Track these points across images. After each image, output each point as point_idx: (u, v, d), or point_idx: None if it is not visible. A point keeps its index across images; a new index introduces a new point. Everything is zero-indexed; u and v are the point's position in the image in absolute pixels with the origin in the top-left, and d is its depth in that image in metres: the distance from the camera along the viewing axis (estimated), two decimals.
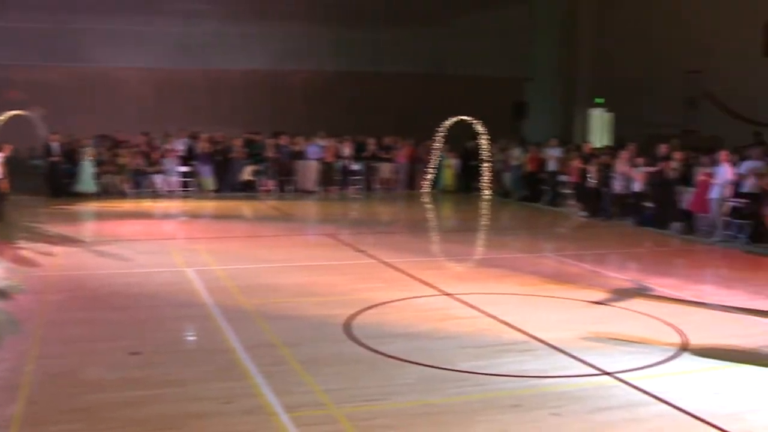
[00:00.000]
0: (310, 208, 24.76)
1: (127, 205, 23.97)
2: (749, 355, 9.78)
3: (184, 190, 26.21)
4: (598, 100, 34.46)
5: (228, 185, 26.79)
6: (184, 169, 26.51)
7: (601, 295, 12.75)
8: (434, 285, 13.10)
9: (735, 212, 19.01)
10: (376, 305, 11.66)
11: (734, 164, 19.48)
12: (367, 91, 31.83)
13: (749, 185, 18.87)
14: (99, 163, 26.06)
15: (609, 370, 8.90)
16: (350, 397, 7.93)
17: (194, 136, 27.35)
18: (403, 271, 14.20)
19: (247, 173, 27.06)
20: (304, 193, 26.98)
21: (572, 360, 9.29)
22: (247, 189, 26.85)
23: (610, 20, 33.44)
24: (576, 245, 18.08)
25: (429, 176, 27.66)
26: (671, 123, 29.22)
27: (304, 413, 7.51)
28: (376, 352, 9.42)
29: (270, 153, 27.26)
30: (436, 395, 8.07)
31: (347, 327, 10.46)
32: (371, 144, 28.59)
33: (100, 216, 22.30)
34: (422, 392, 8.15)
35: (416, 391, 8.19)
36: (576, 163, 23.60)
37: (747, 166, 19.35)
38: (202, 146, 26.81)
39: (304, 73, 31.87)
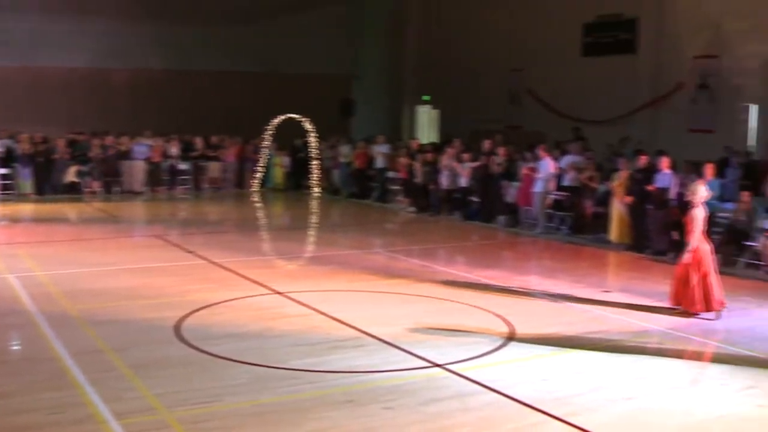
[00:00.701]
0: (137, 209, 24.15)
1: None
2: (573, 341, 10.18)
3: (3, 194, 25.04)
4: (424, 98, 35.08)
5: (51, 187, 25.77)
6: (2, 171, 25.32)
7: (430, 289, 12.97)
8: (265, 284, 13.02)
9: (557, 205, 19.73)
10: (207, 306, 11.49)
11: (556, 159, 20.21)
12: (194, 89, 31.32)
13: (570, 179, 19.61)
14: None
15: (439, 362, 9.06)
16: (182, 401, 7.78)
17: (14, 137, 26.18)
18: (233, 271, 14.04)
19: (71, 174, 26.11)
20: (130, 194, 26.28)
21: (403, 354, 9.41)
22: (72, 191, 25.90)
23: (437, 19, 34.07)
24: (405, 240, 18.33)
25: (258, 175, 27.46)
26: (496, 119, 30.04)
27: (134, 419, 7.32)
28: (208, 353, 9.28)
29: (95, 153, 26.41)
30: (268, 394, 8.02)
31: (177, 329, 10.26)
32: (199, 143, 28.13)
33: None
34: (254, 392, 8.08)
35: (248, 391, 8.11)
36: (403, 160, 23.92)
37: (567, 160, 20.11)
38: (22, 147, 25.69)
39: (128, 70, 31.03)
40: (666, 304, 11.94)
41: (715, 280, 11.59)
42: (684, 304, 11.63)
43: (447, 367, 8.93)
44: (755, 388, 8.57)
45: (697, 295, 11.50)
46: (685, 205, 16.24)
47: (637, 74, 25.67)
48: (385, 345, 9.75)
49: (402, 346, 9.66)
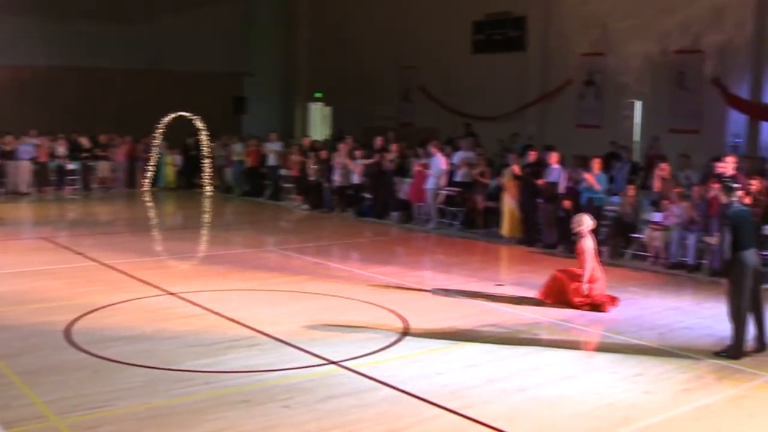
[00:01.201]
0: (23, 210, 23.48)
1: None
2: (467, 335, 10.33)
3: None
4: (317, 95, 35.04)
5: None
6: None
7: (325, 287, 12.99)
8: (158, 285, 12.83)
9: (449, 200, 19.95)
10: (98, 309, 11.26)
11: (447, 155, 20.43)
12: (83, 87, 30.54)
13: (461, 175, 19.86)
14: None
15: (335, 359, 9.09)
16: (73, 407, 7.61)
17: None
18: (124, 273, 13.80)
19: None
20: (16, 195, 25.54)
21: (299, 352, 9.41)
22: None
23: (330, 16, 34.03)
24: (299, 238, 18.29)
25: (149, 174, 27.01)
26: (388, 116, 30.21)
27: (24, 428, 7.13)
28: (100, 357, 9.10)
29: None
30: (163, 397, 7.92)
31: (68, 333, 10.03)
32: (85, 142, 27.50)
33: None
34: (148, 395, 7.97)
35: (142, 394, 7.99)
36: (296, 157, 23.85)
37: (459, 156, 20.36)
38: None
39: (12, 67, 30.08)
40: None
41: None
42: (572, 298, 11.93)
43: (342, 364, 8.96)
44: (642, 375, 8.85)
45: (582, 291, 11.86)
46: (574, 198, 16.70)
47: (527, 71, 26.12)
48: (280, 344, 9.73)
49: (297, 345, 9.65)
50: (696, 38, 22.15)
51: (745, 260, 9.52)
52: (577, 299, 11.84)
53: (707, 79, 21.75)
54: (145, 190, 26.59)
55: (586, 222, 12.18)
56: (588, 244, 12.05)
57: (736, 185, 10.08)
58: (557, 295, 12.04)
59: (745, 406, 8.01)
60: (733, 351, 9.54)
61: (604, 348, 10.18)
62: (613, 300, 12.07)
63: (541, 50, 25.92)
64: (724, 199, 9.94)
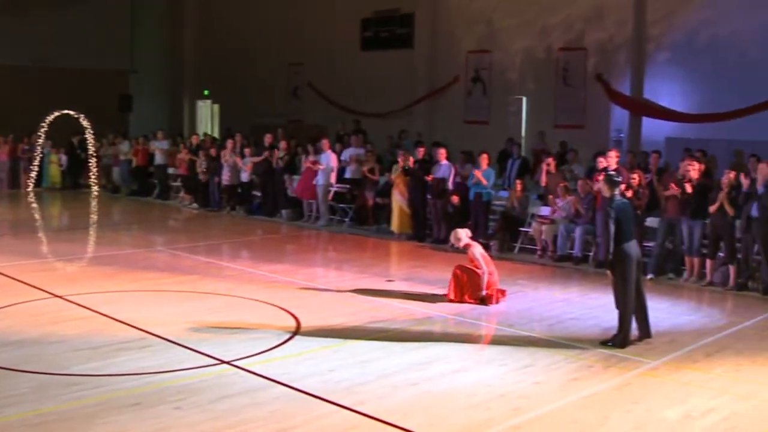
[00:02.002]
0: None
1: None
2: (359, 331, 10.37)
3: None
4: (205, 92, 34.65)
5: None
6: None
7: (216, 286, 12.87)
8: (44, 288, 12.49)
9: (339, 197, 19.99)
10: None
11: (337, 152, 20.46)
12: None
13: (351, 171, 19.92)
14: None
15: (227, 359, 9.01)
16: None
17: None
18: (8, 276, 13.38)
19: None
20: None
21: (190, 352, 9.30)
22: None
23: (217, 13, 33.68)
24: (188, 237, 18.08)
25: (33, 173, 26.27)
26: (277, 113, 30.10)
27: None
28: None
29: None
30: (52, 402, 7.72)
31: None
32: None
33: None
34: (36, 401, 7.74)
35: (30, 400, 7.76)
36: (184, 155, 23.54)
37: (349, 153, 20.40)
38: None
39: None
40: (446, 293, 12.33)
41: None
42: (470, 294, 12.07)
43: (235, 363, 8.89)
44: (532, 366, 9.03)
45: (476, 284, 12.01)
46: (463, 193, 16.93)
47: (415, 68, 26.36)
48: (171, 344, 9.60)
49: (188, 345, 9.53)
50: (579, 36, 22.72)
51: (629, 251, 9.80)
52: (472, 301, 11.99)
53: (590, 76, 22.35)
54: (29, 191, 25.85)
55: (462, 236, 12.36)
56: (476, 251, 12.22)
57: (618, 179, 10.35)
58: (459, 294, 12.13)
59: (630, 393, 8.25)
60: (620, 340, 9.81)
61: (494, 341, 10.35)
62: (502, 293, 12.26)
63: (428, 47, 26.19)
64: (607, 192, 10.20)
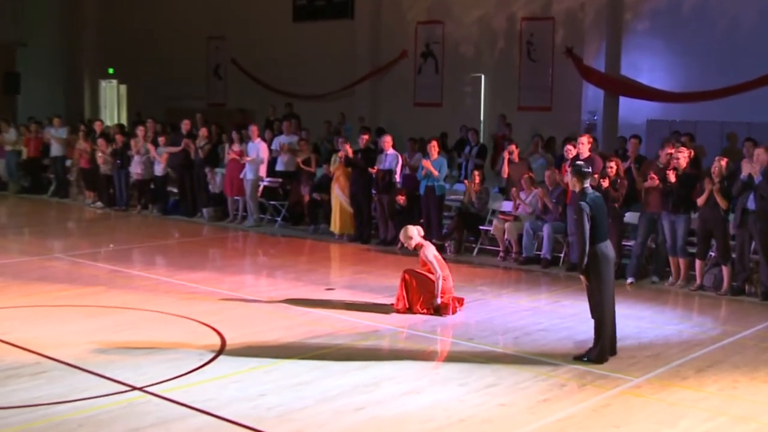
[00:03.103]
0: None
1: None
2: (294, 348, 10.32)
3: None
4: (109, 70, 34.30)
5: None
6: None
7: (125, 299, 12.74)
8: None
9: (269, 193, 19.90)
10: None
11: (267, 140, 20.37)
12: None
13: (283, 162, 19.84)
14: None
15: (139, 385, 8.91)
16: None
17: None
18: None
19: None
20: None
21: (95, 378, 9.17)
22: None
23: None
24: (91, 242, 17.91)
25: None
26: (195, 95, 29.91)
27: None
28: None
29: None
30: None
31: None
32: None
33: None
34: None
35: None
36: (85, 146, 23.24)
37: (280, 141, 20.32)
38: None
39: None
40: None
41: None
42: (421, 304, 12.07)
43: (148, 389, 8.80)
44: (497, 385, 9.05)
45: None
46: (412, 187, 16.96)
47: (355, 42, 26.35)
48: (71, 369, 9.46)
49: (92, 369, 9.40)
50: (546, 4, 22.87)
51: (606, 252, 9.86)
52: (425, 311, 11.99)
53: (559, 50, 22.49)
54: None
55: (414, 234, 12.36)
56: (429, 252, 12.21)
57: (587, 169, 10.27)
58: (409, 303, 12.11)
59: (610, 415, 8.30)
60: (597, 354, 9.86)
61: (452, 357, 10.37)
62: (459, 302, 12.27)
63: (371, 18, 26.21)
64: (576, 186, 10.14)
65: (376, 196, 17.56)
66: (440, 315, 11.88)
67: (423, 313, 11.93)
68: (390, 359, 10.03)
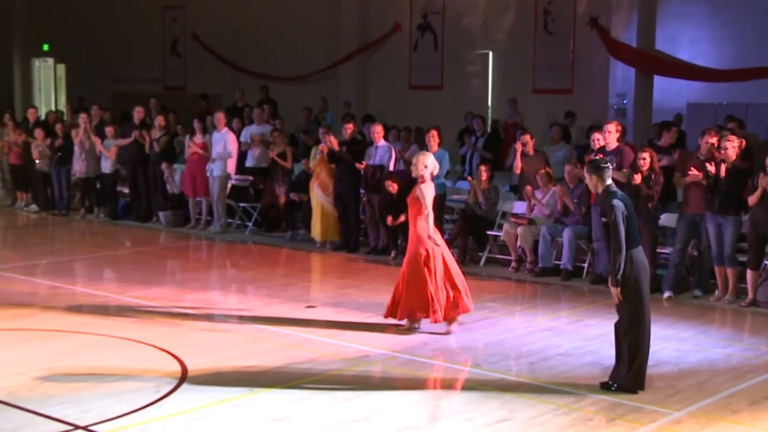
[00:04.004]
0: None
1: None
2: (269, 377, 10.31)
3: None
4: (45, 47, 34.27)
5: None
6: None
7: (66, 320, 12.72)
8: None
9: (238, 193, 19.88)
10: None
11: (236, 131, 20.34)
12: None
13: (254, 157, 19.81)
14: None
15: (83, 423, 8.89)
16: None
17: None
18: None
19: None
20: None
21: (30, 415, 9.14)
22: None
23: None
24: (25, 253, 17.86)
25: None
26: (149, 77, 29.89)
27: None
28: None
29: None
30: None
31: None
32: None
33: None
34: None
35: None
36: (15, 137, 23.19)
37: (251, 131, 20.28)
38: None
39: None
40: (387, 318, 12.31)
41: (443, 284, 12.05)
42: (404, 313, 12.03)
43: (94, 429, 8.78)
44: (509, 420, 9.04)
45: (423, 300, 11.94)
46: (407, 184, 16.92)
47: (341, 13, 26.33)
48: (1, 406, 9.44)
49: (25, 405, 9.38)
50: None
51: (641, 259, 9.80)
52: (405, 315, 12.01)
53: (582, 21, 22.46)
54: None
55: (429, 163, 12.18)
56: (428, 190, 12.03)
57: (605, 165, 10.12)
58: (394, 309, 12.10)
59: None
60: (630, 381, 9.82)
61: (456, 386, 10.37)
62: (455, 309, 12.08)
63: None
64: (598, 186, 9.97)
65: (364, 196, 17.56)
66: (424, 316, 11.86)
67: (401, 318, 11.96)
68: (383, 389, 10.04)
